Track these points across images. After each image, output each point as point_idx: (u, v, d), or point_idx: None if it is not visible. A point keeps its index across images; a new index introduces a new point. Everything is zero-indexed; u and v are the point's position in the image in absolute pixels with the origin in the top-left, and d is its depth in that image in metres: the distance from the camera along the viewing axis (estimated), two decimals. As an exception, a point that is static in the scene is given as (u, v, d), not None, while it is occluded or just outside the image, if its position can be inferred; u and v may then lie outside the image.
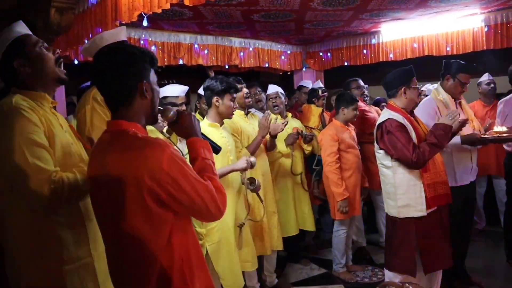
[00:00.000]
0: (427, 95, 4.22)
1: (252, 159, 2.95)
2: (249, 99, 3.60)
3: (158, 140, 1.39)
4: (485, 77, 4.89)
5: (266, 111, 3.52)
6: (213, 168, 1.56)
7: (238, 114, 3.49)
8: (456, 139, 3.13)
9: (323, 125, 4.67)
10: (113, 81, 1.44)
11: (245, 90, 3.55)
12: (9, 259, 1.77)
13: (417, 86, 2.96)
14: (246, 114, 3.62)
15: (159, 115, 1.60)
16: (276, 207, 3.63)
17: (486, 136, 3.21)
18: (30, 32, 1.90)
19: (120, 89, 1.44)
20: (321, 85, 5.34)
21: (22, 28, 1.87)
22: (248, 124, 3.54)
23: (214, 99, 2.98)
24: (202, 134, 1.71)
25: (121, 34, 2.40)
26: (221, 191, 1.49)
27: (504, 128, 3.33)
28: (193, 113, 2.88)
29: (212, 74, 5.79)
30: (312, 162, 4.38)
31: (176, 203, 1.37)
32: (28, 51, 1.81)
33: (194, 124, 1.64)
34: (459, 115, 2.93)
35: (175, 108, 1.66)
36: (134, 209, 1.34)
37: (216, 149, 1.76)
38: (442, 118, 2.85)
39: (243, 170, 2.92)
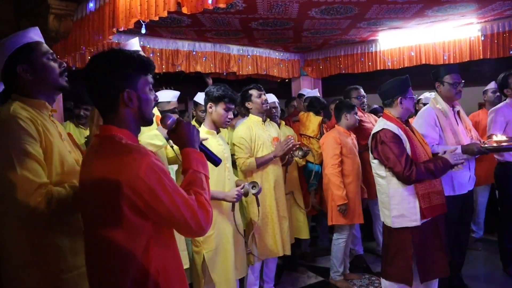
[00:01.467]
0: (425, 104, 4.23)
1: (244, 189, 2.95)
2: (267, 105, 3.62)
3: (139, 147, 1.38)
4: (491, 85, 4.86)
5: (290, 137, 3.52)
6: (203, 182, 1.51)
7: (256, 120, 3.56)
8: (457, 150, 3.13)
9: (322, 134, 4.68)
10: (95, 89, 1.44)
11: (264, 97, 3.58)
12: (5, 267, 1.75)
13: (413, 96, 2.96)
14: (264, 121, 3.65)
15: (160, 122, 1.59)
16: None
17: (486, 146, 3.21)
18: (42, 40, 1.89)
19: (102, 98, 1.44)
20: (318, 94, 5.37)
21: (35, 35, 1.87)
22: (264, 131, 3.57)
23: (208, 105, 2.99)
24: (203, 145, 1.68)
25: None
26: (205, 207, 1.43)
27: (504, 137, 3.32)
28: (191, 122, 2.88)
29: (210, 81, 5.80)
30: (306, 171, 4.40)
31: (153, 213, 1.34)
32: (34, 59, 1.80)
33: (191, 134, 1.60)
34: (458, 126, 2.93)
35: (174, 116, 1.63)
36: (109, 215, 1.33)
37: (216, 161, 1.72)
38: (448, 154, 2.83)
39: (232, 202, 2.91)
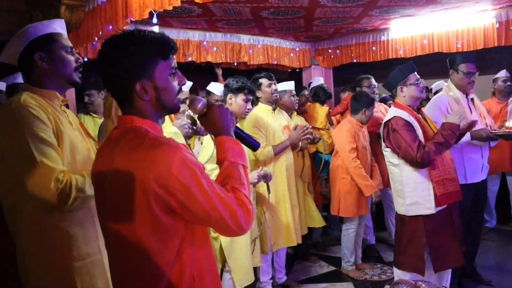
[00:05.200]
0: (436, 93, 4.19)
1: (263, 171, 2.96)
2: (277, 95, 3.63)
3: (169, 140, 1.22)
4: (502, 74, 4.80)
5: (305, 125, 3.57)
6: (241, 175, 1.33)
7: (266, 109, 3.57)
8: (466, 135, 3.10)
9: (331, 123, 4.66)
10: (107, 80, 1.30)
11: (274, 86, 3.59)
12: (20, 256, 1.78)
13: (417, 81, 2.86)
14: (274, 109, 3.65)
15: (187, 106, 1.47)
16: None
17: (496, 131, 3.17)
18: (65, 33, 1.91)
19: (115, 90, 1.30)
20: (322, 81, 5.33)
21: (59, 27, 1.89)
22: (274, 119, 3.58)
23: (228, 96, 3.02)
24: (239, 129, 1.53)
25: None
26: (245, 205, 1.27)
27: None
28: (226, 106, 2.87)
29: (220, 71, 5.80)
30: (316, 160, 4.39)
31: (188, 213, 1.20)
32: (53, 49, 1.82)
33: (224, 119, 1.40)
34: (471, 114, 2.87)
35: (204, 99, 1.46)
36: (139, 217, 1.19)
37: (255, 145, 1.57)
38: (449, 117, 2.81)
39: (253, 185, 2.93)
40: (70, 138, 1.78)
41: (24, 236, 1.75)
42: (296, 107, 4.18)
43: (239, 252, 2.85)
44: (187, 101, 3.25)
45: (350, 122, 3.95)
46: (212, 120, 1.41)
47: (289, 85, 4.07)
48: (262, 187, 3.29)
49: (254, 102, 3.54)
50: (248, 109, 3.06)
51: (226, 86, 3.07)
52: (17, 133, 1.65)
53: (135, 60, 1.24)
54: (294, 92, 4.10)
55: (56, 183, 1.60)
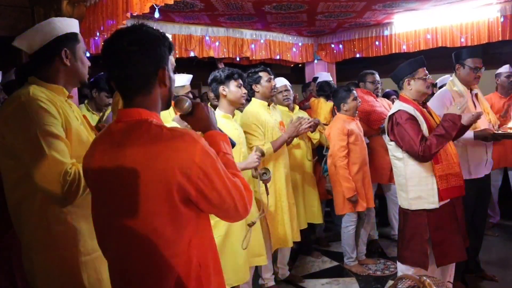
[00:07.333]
0: (441, 87, 4.16)
1: (259, 150, 2.94)
2: (275, 91, 3.59)
3: (189, 131, 1.27)
4: (505, 69, 4.76)
5: (301, 117, 3.50)
6: (235, 164, 1.43)
7: (262, 105, 3.49)
8: (469, 135, 3.09)
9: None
10: (131, 65, 1.27)
11: (273, 82, 3.54)
12: (26, 251, 1.78)
13: (425, 76, 2.84)
14: (268, 105, 3.58)
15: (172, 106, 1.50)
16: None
17: (499, 132, 3.15)
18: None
19: (139, 75, 1.29)
20: (330, 78, 5.30)
21: (78, 28, 1.93)
22: (270, 115, 3.50)
23: (221, 88, 2.99)
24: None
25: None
26: (248, 188, 1.37)
27: None
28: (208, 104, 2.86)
29: (222, 67, 5.78)
30: (320, 153, 4.36)
31: (204, 201, 1.25)
32: (77, 49, 1.87)
33: (210, 115, 1.51)
34: (475, 110, 2.86)
35: (189, 99, 1.52)
36: (157, 208, 1.21)
37: (232, 143, 1.62)
38: (450, 108, 2.79)
39: (255, 168, 2.89)
40: (77, 133, 1.79)
41: (30, 232, 1.74)
42: (288, 102, 4.12)
43: (230, 251, 2.77)
44: (191, 96, 3.25)
45: (341, 119, 3.91)
46: (200, 118, 1.50)
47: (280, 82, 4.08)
48: (260, 187, 3.25)
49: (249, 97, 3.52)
50: (244, 93, 3.03)
51: (214, 80, 3.02)
52: (27, 127, 1.65)
53: (162, 48, 1.31)
54: (284, 88, 4.08)
55: (65, 176, 1.60)
